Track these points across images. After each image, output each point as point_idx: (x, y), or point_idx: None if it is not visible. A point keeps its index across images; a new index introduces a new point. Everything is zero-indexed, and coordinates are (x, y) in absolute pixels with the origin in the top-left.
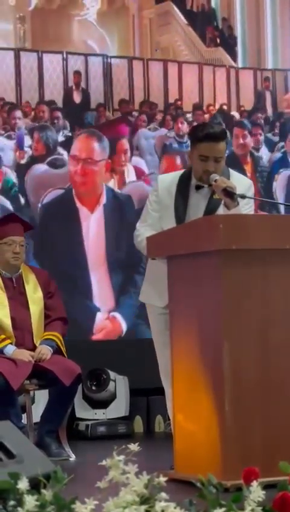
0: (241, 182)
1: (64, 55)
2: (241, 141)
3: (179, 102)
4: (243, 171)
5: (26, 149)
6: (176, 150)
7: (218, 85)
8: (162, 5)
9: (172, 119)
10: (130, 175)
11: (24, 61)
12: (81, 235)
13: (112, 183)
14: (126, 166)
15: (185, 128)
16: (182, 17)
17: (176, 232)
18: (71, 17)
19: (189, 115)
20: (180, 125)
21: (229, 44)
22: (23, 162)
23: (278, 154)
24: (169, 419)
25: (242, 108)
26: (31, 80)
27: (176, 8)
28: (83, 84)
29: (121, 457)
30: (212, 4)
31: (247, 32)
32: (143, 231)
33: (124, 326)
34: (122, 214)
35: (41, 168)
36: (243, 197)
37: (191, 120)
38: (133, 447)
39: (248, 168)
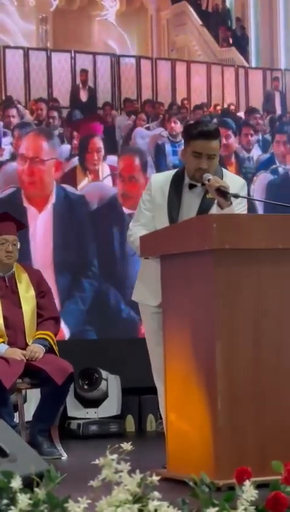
0: (235, 182)
1: (72, 54)
2: (223, 141)
3: (185, 102)
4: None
5: (4, 146)
6: (135, 150)
7: (226, 85)
8: (178, 5)
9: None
10: (104, 174)
11: (33, 59)
12: (27, 235)
13: (86, 182)
14: (100, 165)
15: (178, 128)
16: (197, 18)
17: (169, 231)
18: (92, 18)
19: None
20: (173, 124)
21: (241, 44)
22: (1, 159)
23: (266, 156)
24: (161, 419)
25: (250, 105)
26: (40, 79)
27: (191, 9)
28: (90, 83)
29: (114, 456)
30: (227, 4)
31: (260, 32)
32: (136, 230)
33: (66, 334)
34: (73, 214)
35: (13, 165)
36: (236, 196)
37: (187, 120)
38: (126, 446)
39: (231, 169)
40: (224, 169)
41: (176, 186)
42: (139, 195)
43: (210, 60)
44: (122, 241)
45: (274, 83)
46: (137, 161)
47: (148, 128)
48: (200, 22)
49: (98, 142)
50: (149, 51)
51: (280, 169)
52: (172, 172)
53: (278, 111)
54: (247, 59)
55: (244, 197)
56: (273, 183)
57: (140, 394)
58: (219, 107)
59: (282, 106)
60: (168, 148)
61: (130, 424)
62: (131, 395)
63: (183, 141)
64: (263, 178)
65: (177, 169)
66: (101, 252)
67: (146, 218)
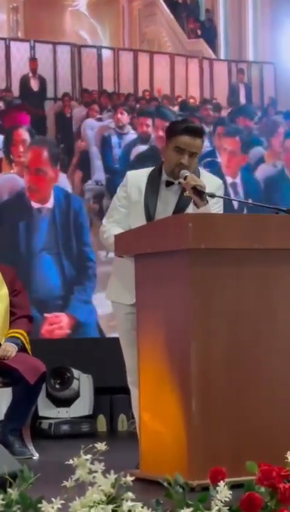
0: (212, 181)
1: (32, 43)
2: (161, 133)
3: (146, 93)
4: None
5: None
6: (44, 141)
7: (190, 77)
8: None
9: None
10: None
11: None
12: None
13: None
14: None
15: (125, 118)
16: (166, 8)
17: (144, 230)
18: (63, 8)
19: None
20: (120, 115)
21: (210, 36)
22: None
23: (208, 149)
24: (133, 418)
25: (215, 101)
26: None
27: None
28: (50, 73)
29: (88, 456)
30: None
31: (229, 24)
32: (109, 227)
33: None
34: None
35: None
36: (212, 196)
37: (135, 110)
38: (100, 446)
39: None
40: (201, 169)
41: (153, 183)
42: (46, 188)
43: (179, 52)
44: (29, 237)
45: (239, 75)
46: (45, 153)
47: (100, 120)
48: (170, 13)
49: (24, 134)
50: (121, 42)
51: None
52: (149, 169)
53: (243, 103)
54: (215, 51)
55: (221, 197)
56: None
57: (112, 394)
58: (180, 99)
59: (247, 99)
60: (114, 139)
61: (101, 423)
62: (102, 394)
63: (165, 138)
64: None
65: (154, 166)
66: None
67: (120, 215)
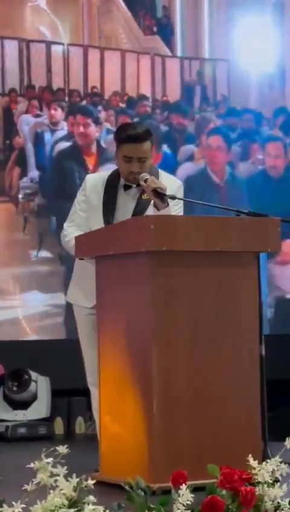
0: (171, 183)
1: None
2: (81, 129)
3: (94, 89)
4: (82, 163)
5: None
6: None
7: (142, 74)
8: None
9: (59, 106)
10: None
11: None
12: None
13: None
14: None
15: (58, 114)
16: (123, 5)
17: (105, 232)
18: (24, 3)
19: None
20: (53, 111)
21: (166, 33)
22: None
23: None
24: (90, 421)
25: (165, 98)
26: None
27: None
28: None
29: (50, 459)
30: None
31: (186, 21)
32: (70, 231)
33: None
34: None
35: None
36: (173, 198)
37: (67, 106)
38: (62, 449)
39: (90, 160)
40: (160, 170)
41: (111, 187)
42: None
43: (135, 49)
44: None
45: (192, 72)
46: None
47: (38, 116)
48: (127, 10)
49: None
50: (80, 39)
51: None
52: (107, 172)
53: (197, 100)
54: (171, 48)
55: (182, 199)
56: None
57: (69, 396)
58: (126, 97)
59: (201, 96)
60: (47, 136)
61: (59, 426)
62: (60, 397)
63: (115, 144)
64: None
65: (112, 170)
66: None
67: (81, 219)
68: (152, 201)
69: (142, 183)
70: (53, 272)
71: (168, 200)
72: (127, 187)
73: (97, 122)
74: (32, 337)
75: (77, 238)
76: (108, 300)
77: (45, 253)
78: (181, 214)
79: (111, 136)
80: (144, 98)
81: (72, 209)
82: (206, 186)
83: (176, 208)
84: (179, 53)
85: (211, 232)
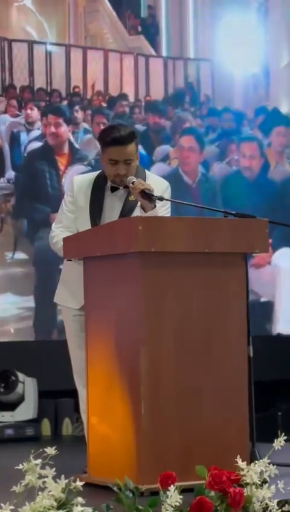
0: (158, 184)
1: None
2: (52, 129)
3: (77, 90)
4: (53, 163)
5: None
6: None
7: (125, 73)
8: None
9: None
10: None
11: None
12: None
13: None
14: None
15: (35, 114)
16: (109, 4)
17: (93, 233)
18: (9, 3)
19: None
20: (29, 111)
21: (151, 32)
22: None
23: None
24: (77, 422)
25: (148, 98)
26: None
27: None
28: None
29: (38, 461)
30: None
31: (171, 21)
32: (58, 232)
33: None
34: None
35: None
36: (161, 199)
37: (45, 106)
38: (50, 450)
39: (62, 160)
40: (147, 171)
41: (98, 189)
42: None
43: (120, 49)
44: None
45: (176, 72)
46: None
47: (17, 116)
48: (112, 9)
49: None
50: (67, 38)
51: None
52: (95, 173)
53: (179, 100)
54: (157, 48)
55: (169, 200)
56: None
57: (56, 397)
58: (107, 97)
59: (185, 95)
60: (23, 136)
61: (46, 427)
62: (47, 398)
63: (100, 147)
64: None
65: (99, 171)
66: None
67: (68, 220)
68: (139, 202)
69: (129, 185)
70: (27, 273)
71: (156, 201)
72: (114, 188)
73: (70, 122)
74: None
75: (65, 239)
76: (96, 301)
77: (20, 255)
78: (169, 215)
79: (88, 136)
80: (123, 97)
81: (60, 210)
82: (178, 187)
83: (163, 209)
84: (164, 53)
85: (199, 233)
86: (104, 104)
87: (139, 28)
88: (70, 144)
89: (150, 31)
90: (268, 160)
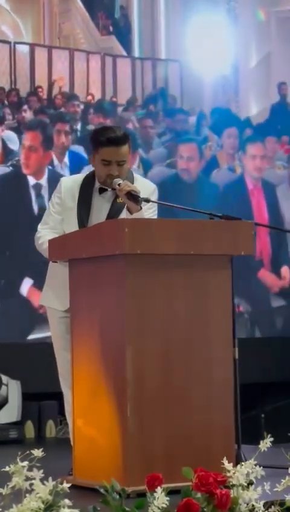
0: (146, 186)
1: None
2: None
3: (39, 89)
4: None
5: None
6: None
7: (91, 73)
8: None
9: None
10: None
11: None
12: None
13: None
14: None
15: None
16: (81, 4)
17: (78, 235)
18: None
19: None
20: None
21: (123, 33)
22: None
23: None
24: (61, 424)
25: (114, 99)
26: None
27: None
28: None
29: (25, 463)
30: None
31: (143, 22)
32: (44, 233)
33: None
34: None
35: None
36: (147, 200)
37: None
38: (37, 452)
39: None
40: (135, 174)
41: (86, 190)
42: None
43: (91, 49)
44: None
45: (144, 72)
46: None
47: None
48: (84, 9)
49: None
50: (41, 38)
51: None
52: (82, 175)
53: (140, 101)
54: (128, 48)
55: (156, 202)
56: None
57: (40, 400)
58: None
59: (149, 95)
60: None
61: (29, 430)
62: (30, 400)
63: (91, 148)
64: None
65: (87, 173)
66: None
67: (55, 221)
68: (126, 204)
69: (116, 187)
70: None
71: (142, 203)
72: (102, 190)
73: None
74: None
75: (50, 241)
76: (82, 303)
77: None
78: (156, 217)
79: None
80: (74, 97)
81: (46, 211)
82: None
83: (150, 212)
84: (136, 53)
85: (185, 235)
86: (60, 105)
87: (111, 28)
88: (4, 143)
89: (123, 31)
90: (219, 162)
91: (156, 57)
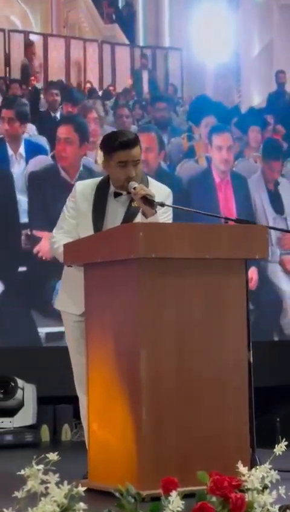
0: (160, 190)
1: None
2: None
3: (32, 78)
4: None
5: None
6: None
7: (89, 62)
8: None
9: None
10: None
11: None
12: None
13: None
14: None
15: None
16: None
17: (94, 239)
18: None
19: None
20: None
21: (127, 21)
22: None
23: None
24: (76, 428)
25: (111, 88)
26: None
27: None
28: None
29: (40, 466)
30: None
31: (147, 10)
32: (59, 238)
33: None
34: None
35: None
36: (162, 205)
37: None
38: (52, 456)
39: None
40: (149, 178)
41: (101, 195)
42: None
43: (95, 37)
44: None
45: (142, 60)
46: None
47: None
48: None
49: None
50: (49, 27)
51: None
52: (97, 179)
53: (146, 90)
54: (132, 36)
55: (171, 206)
56: None
57: (55, 403)
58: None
59: (150, 85)
60: None
61: (45, 433)
62: (46, 404)
63: (103, 153)
64: None
65: (101, 177)
66: None
67: (70, 226)
68: (141, 208)
69: (131, 190)
70: None
71: (157, 207)
72: (116, 194)
73: None
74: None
75: (65, 246)
76: (97, 307)
77: None
78: (170, 221)
79: None
80: (53, 84)
81: (61, 215)
82: (53, 183)
83: (165, 216)
84: (141, 42)
85: (200, 239)
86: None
87: (114, 17)
88: None
89: (127, 19)
90: (196, 153)
91: (160, 45)
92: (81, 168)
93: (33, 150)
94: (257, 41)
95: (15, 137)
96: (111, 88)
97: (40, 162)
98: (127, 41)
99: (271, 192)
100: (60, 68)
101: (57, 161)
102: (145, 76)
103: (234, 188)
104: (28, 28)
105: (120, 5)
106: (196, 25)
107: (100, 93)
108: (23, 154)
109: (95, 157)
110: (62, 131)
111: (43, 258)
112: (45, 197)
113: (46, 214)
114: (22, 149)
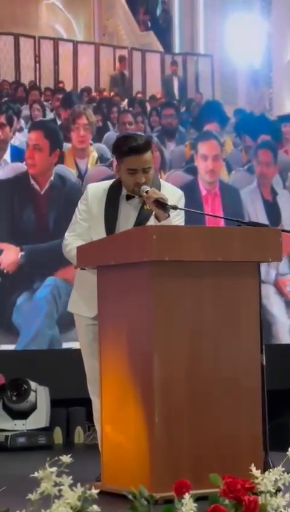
0: (172, 193)
1: None
2: None
3: (60, 85)
4: None
5: None
6: None
7: (118, 68)
8: None
9: None
10: None
11: None
12: None
13: None
14: None
15: None
16: (123, 0)
17: (107, 242)
18: (39, 1)
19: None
20: None
21: (163, 28)
22: None
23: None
24: (89, 431)
25: (139, 95)
26: None
27: None
28: None
29: (54, 469)
30: None
31: (183, 17)
32: (71, 240)
33: None
34: None
35: None
36: (174, 208)
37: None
38: (65, 458)
39: None
40: (162, 181)
41: (113, 197)
42: None
43: (133, 45)
44: None
45: (172, 67)
46: None
47: None
48: (126, 5)
49: None
50: (92, 35)
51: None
52: (109, 182)
53: (177, 96)
54: (168, 44)
55: (183, 209)
56: None
57: (68, 406)
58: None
59: (180, 91)
60: None
61: (58, 436)
62: (59, 406)
63: (115, 157)
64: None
65: (113, 180)
66: None
67: (82, 228)
68: (153, 212)
69: (143, 194)
70: None
71: (170, 210)
72: (129, 197)
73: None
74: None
75: (78, 248)
76: (109, 310)
77: None
78: (183, 224)
79: None
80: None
81: (73, 218)
82: (23, 192)
83: (177, 218)
84: (177, 49)
85: (213, 242)
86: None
87: (149, 24)
88: None
89: (164, 26)
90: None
91: (195, 52)
92: (51, 178)
93: (18, 156)
94: None
95: (3, 142)
96: (140, 95)
97: (15, 169)
98: (161, 49)
99: (268, 203)
100: (90, 75)
101: (28, 169)
102: (175, 82)
103: (224, 201)
104: (72, 36)
105: (157, 12)
106: (227, 30)
107: (126, 101)
108: (8, 160)
109: (86, 165)
110: (32, 137)
111: (5, 272)
112: (12, 207)
113: (11, 224)
114: (7, 155)
